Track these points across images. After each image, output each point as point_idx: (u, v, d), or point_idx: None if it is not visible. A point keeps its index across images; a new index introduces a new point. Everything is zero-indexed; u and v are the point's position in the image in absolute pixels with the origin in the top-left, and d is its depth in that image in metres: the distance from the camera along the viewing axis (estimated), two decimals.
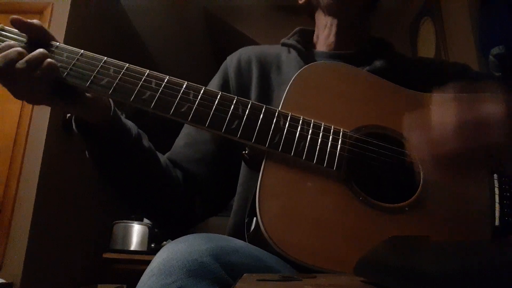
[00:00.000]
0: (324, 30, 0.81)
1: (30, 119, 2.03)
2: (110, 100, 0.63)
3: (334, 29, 0.79)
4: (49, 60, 0.56)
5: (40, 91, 0.56)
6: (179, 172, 0.75)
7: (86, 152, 0.65)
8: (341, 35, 0.79)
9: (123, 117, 0.66)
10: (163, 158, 0.73)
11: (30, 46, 0.58)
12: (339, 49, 0.80)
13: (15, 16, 0.59)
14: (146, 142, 0.68)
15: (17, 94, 0.57)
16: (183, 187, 0.73)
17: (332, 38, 0.80)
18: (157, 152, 0.71)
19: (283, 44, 0.82)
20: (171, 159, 0.76)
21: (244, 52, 0.83)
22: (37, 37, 0.60)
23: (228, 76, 0.80)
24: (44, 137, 2.01)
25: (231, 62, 0.82)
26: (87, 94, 0.60)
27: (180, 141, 0.80)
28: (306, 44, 0.82)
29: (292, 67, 0.77)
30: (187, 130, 0.80)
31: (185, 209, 0.74)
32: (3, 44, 0.57)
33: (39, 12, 2.10)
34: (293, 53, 0.79)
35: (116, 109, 0.64)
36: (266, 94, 0.75)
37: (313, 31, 0.87)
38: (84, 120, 0.62)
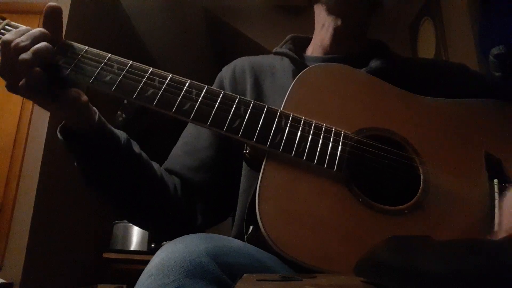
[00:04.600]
0: (321, 31, 0.80)
1: (30, 119, 2.04)
2: (94, 108, 0.62)
3: (330, 32, 0.78)
4: (45, 43, 0.55)
5: (36, 78, 0.53)
6: (178, 181, 0.74)
7: (75, 163, 0.63)
8: (337, 38, 0.78)
9: (109, 125, 0.64)
10: (157, 166, 0.71)
11: None
12: (333, 53, 0.79)
13: (53, 4, 0.58)
14: (136, 148, 0.67)
15: (13, 84, 0.55)
16: (183, 196, 0.72)
17: (327, 42, 0.79)
18: (150, 160, 0.70)
19: (276, 53, 0.82)
20: (169, 168, 0.75)
21: (239, 63, 0.84)
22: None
23: (223, 86, 0.80)
24: (44, 137, 2.01)
25: (226, 72, 0.83)
26: (83, 99, 0.59)
27: (177, 150, 0.79)
28: (299, 50, 0.82)
29: (285, 74, 0.77)
30: (184, 139, 0.80)
31: (185, 218, 0.73)
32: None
33: (39, 12, 2.10)
34: (286, 60, 0.79)
35: (101, 116, 0.63)
36: (260, 101, 0.75)
37: (305, 38, 0.86)
38: (72, 128, 0.61)
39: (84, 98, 0.59)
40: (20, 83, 0.53)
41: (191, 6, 3.19)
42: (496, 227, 0.53)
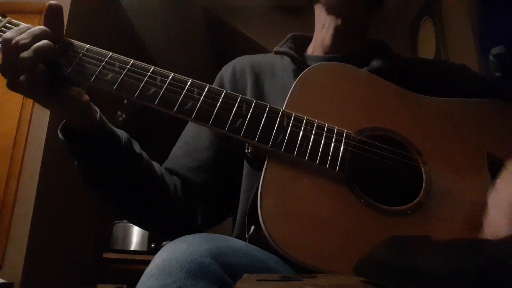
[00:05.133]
0: (321, 30, 0.80)
1: (30, 119, 2.03)
2: (95, 107, 0.62)
3: (331, 31, 0.78)
4: (46, 41, 0.54)
5: (37, 78, 0.53)
6: (178, 181, 0.73)
7: (76, 162, 0.63)
8: (338, 37, 0.78)
9: (110, 124, 0.64)
10: (157, 165, 0.71)
11: None
12: (333, 52, 0.79)
13: (54, 2, 0.58)
14: (137, 148, 0.67)
15: (14, 82, 0.54)
16: (183, 196, 0.72)
17: (328, 41, 0.79)
18: (151, 160, 0.70)
19: (276, 52, 0.82)
20: (169, 168, 0.75)
21: (239, 62, 0.84)
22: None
23: (223, 85, 0.80)
24: (44, 137, 2.01)
25: (226, 71, 0.83)
26: (84, 98, 0.58)
27: (177, 150, 0.79)
28: (299, 49, 0.82)
29: (286, 73, 0.76)
30: (185, 139, 0.80)
31: (185, 218, 0.73)
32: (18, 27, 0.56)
33: (39, 12, 2.09)
34: (286, 59, 0.79)
35: (102, 115, 0.63)
36: (260, 100, 0.75)
37: (306, 36, 0.86)
38: (73, 126, 0.60)
39: (85, 97, 0.59)
40: (21, 79, 0.53)
41: (191, 6, 3.19)
42: (486, 227, 0.52)
